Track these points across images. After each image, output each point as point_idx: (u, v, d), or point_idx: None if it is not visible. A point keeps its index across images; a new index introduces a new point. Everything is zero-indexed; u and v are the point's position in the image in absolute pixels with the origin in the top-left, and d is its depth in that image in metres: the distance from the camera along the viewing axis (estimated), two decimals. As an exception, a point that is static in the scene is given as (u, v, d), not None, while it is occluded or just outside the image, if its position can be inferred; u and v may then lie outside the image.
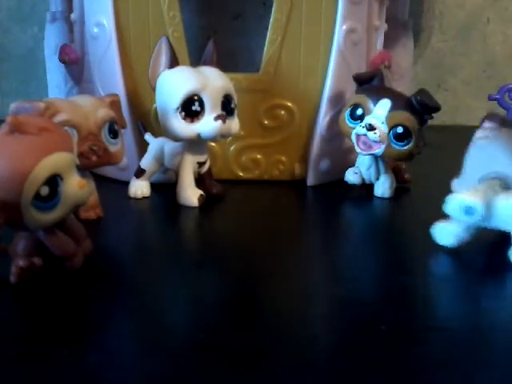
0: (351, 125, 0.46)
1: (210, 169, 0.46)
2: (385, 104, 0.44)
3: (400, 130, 0.44)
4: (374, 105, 0.45)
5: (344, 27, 0.48)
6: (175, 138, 0.43)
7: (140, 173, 0.46)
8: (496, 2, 0.83)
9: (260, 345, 0.23)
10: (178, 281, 0.31)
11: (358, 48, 0.50)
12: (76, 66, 0.53)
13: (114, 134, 0.37)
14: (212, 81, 0.41)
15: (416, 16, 0.82)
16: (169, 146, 0.45)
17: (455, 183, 0.34)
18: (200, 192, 0.44)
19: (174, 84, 0.41)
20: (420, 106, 0.43)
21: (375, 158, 0.47)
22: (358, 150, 0.46)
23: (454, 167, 0.35)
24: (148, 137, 0.47)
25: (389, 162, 0.48)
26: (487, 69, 0.85)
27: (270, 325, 0.26)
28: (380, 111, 0.44)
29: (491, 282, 0.31)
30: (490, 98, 0.62)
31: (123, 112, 0.41)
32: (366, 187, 0.48)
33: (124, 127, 0.41)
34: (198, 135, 0.41)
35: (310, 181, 0.52)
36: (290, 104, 0.50)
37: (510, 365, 0.23)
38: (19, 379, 0.21)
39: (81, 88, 0.54)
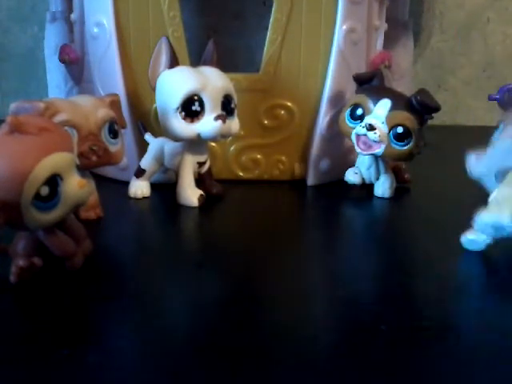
0: (351, 125, 0.46)
1: (209, 169, 0.46)
2: (385, 104, 0.44)
3: (400, 129, 0.44)
4: (374, 105, 0.45)
5: (344, 27, 0.48)
6: (175, 137, 0.43)
7: (140, 173, 0.46)
8: (496, 1, 0.83)
9: (260, 345, 0.23)
10: (177, 281, 0.31)
11: (357, 48, 0.50)
12: (76, 66, 0.53)
13: (114, 134, 0.37)
14: (212, 81, 0.41)
15: (416, 16, 0.82)
16: (169, 146, 0.45)
17: (472, 159, 0.33)
18: (200, 192, 0.44)
19: (174, 84, 0.41)
20: (420, 106, 0.43)
21: (375, 158, 0.47)
22: (357, 150, 0.46)
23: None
24: (148, 137, 0.47)
25: (389, 162, 0.48)
26: (487, 69, 0.85)
27: (269, 325, 0.26)
28: (380, 111, 0.44)
29: (492, 282, 0.31)
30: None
31: (123, 112, 0.41)
32: (366, 187, 0.48)
33: (124, 127, 0.41)
34: (198, 135, 0.41)
35: (310, 181, 0.52)
36: (290, 104, 0.50)
37: (511, 365, 0.23)
38: (19, 379, 0.21)
39: (81, 88, 0.54)
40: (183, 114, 0.41)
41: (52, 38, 0.58)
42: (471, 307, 0.28)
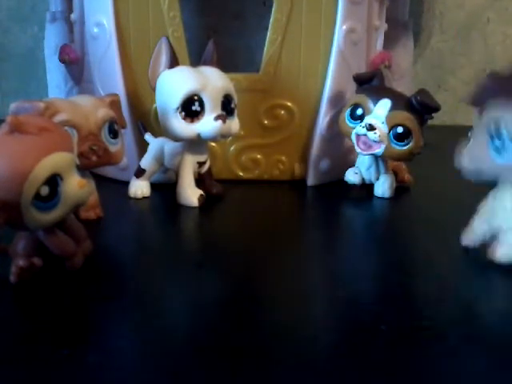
0: (351, 125, 0.46)
1: (210, 169, 0.46)
2: (385, 104, 0.44)
3: (400, 129, 0.44)
4: (374, 105, 0.45)
5: (344, 27, 0.48)
6: (175, 137, 0.43)
7: (140, 173, 0.46)
8: (496, 1, 0.83)
9: (260, 345, 0.23)
10: (177, 281, 0.31)
11: (357, 48, 0.50)
12: (76, 66, 0.53)
13: (114, 133, 0.37)
14: (212, 81, 0.41)
15: (416, 16, 0.82)
16: (169, 146, 0.45)
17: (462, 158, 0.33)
18: (200, 192, 0.44)
19: (174, 84, 0.41)
20: (420, 106, 0.43)
21: (375, 157, 0.47)
22: (357, 150, 0.46)
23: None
24: (148, 137, 0.47)
25: (389, 162, 0.48)
26: (487, 69, 0.85)
27: (269, 325, 0.26)
28: (380, 111, 0.44)
29: (492, 282, 0.31)
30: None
31: (123, 112, 0.41)
32: (366, 187, 0.48)
33: (124, 127, 0.41)
34: (198, 135, 0.41)
35: (310, 181, 0.52)
36: (290, 104, 0.50)
37: (511, 365, 0.23)
38: (19, 379, 0.21)
39: (81, 88, 0.54)
40: (183, 114, 0.41)
41: (52, 38, 0.58)
42: (471, 307, 0.28)
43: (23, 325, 0.25)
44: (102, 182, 0.48)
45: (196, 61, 0.46)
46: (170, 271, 0.32)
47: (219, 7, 0.74)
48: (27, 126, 0.26)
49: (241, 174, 0.52)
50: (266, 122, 0.50)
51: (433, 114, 0.44)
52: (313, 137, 0.50)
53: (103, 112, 0.36)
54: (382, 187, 0.47)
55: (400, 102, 0.44)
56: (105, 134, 0.36)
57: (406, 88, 0.58)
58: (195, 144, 0.43)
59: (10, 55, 0.81)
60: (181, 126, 0.41)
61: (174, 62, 0.42)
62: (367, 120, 0.44)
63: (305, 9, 0.48)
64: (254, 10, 0.75)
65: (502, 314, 0.27)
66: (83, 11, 0.49)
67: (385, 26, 0.54)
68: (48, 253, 0.29)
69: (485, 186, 0.32)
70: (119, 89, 0.47)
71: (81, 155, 0.34)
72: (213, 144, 0.50)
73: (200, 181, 0.45)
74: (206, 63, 0.44)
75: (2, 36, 0.81)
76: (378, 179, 0.48)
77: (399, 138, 0.44)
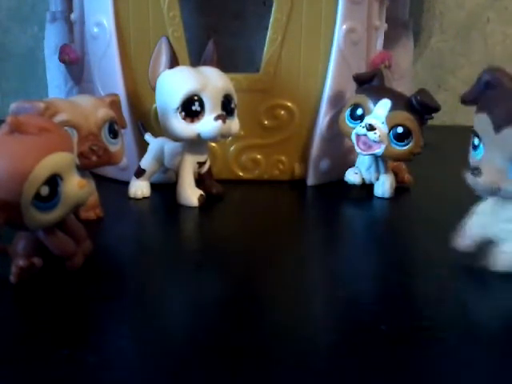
0: (351, 125, 0.46)
1: (210, 169, 0.46)
2: (385, 104, 0.44)
3: (400, 130, 0.44)
4: (374, 105, 0.45)
5: (344, 27, 0.48)
6: (175, 137, 0.43)
7: (140, 173, 0.46)
8: (496, 1, 0.83)
9: (260, 345, 0.23)
10: (177, 281, 0.31)
11: (357, 48, 0.50)
12: (76, 66, 0.53)
13: (114, 133, 0.37)
14: (212, 81, 0.41)
15: (416, 16, 0.82)
16: (169, 146, 0.45)
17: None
18: (200, 192, 0.44)
19: (174, 84, 0.41)
20: (420, 106, 0.43)
21: (375, 157, 0.47)
22: (357, 149, 0.46)
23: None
24: (148, 137, 0.47)
25: (389, 162, 0.48)
26: (487, 69, 0.85)
27: (269, 325, 0.26)
28: (380, 111, 0.44)
29: (492, 283, 0.31)
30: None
31: (123, 112, 0.41)
32: (366, 187, 0.48)
33: (124, 127, 0.41)
34: (198, 135, 0.41)
35: (310, 181, 0.52)
36: (289, 104, 0.50)
37: (511, 364, 0.23)
38: (19, 379, 0.21)
39: (81, 88, 0.54)
40: (183, 114, 0.41)
41: (52, 38, 0.58)
42: (471, 307, 0.28)
43: (23, 325, 0.25)
44: (102, 181, 0.48)
45: (196, 61, 0.46)
46: (170, 271, 0.32)
47: (219, 7, 0.74)
48: (27, 126, 0.26)
49: (241, 174, 0.52)
50: (265, 122, 0.50)
51: (433, 114, 0.44)
52: (313, 137, 0.50)
53: (103, 112, 0.36)
54: (382, 187, 0.47)
55: (400, 102, 0.44)
56: (105, 134, 0.36)
57: (406, 88, 0.58)
58: (195, 144, 0.43)
59: (10, 55, 0.81)
60: (181, 125, 0.41)
61: (173, 62, 0.42)
62: (367, 120, 0.44)
63: (305, 9, 0.48)
64: (254, 10, 0.75)
65: (501, 315, 0.27)
66: (83, 11, 0.49)
67: (385, 26, 0.54)
68: (48, 253, 0.29)
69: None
70: (119, 89, 0.47)
71: (81, 155, 0.34)
72: (213, 144, 0.50)
73: (200, 181, 0.45)
74: (205, 63, 0.44)
75: (2, 36, 0.81)
76: (377, 179, 0.48)
77: (399, 138, 0.44)
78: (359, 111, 0.46)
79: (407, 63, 0.65)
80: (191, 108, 0.41)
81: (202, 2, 0.72)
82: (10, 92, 0.82)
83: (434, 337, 0.24)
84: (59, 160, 0.26)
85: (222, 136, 0.42)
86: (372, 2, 0.50)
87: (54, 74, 0.58)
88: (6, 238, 0.29)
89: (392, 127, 0.44)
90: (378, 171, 0.48)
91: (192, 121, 0.41)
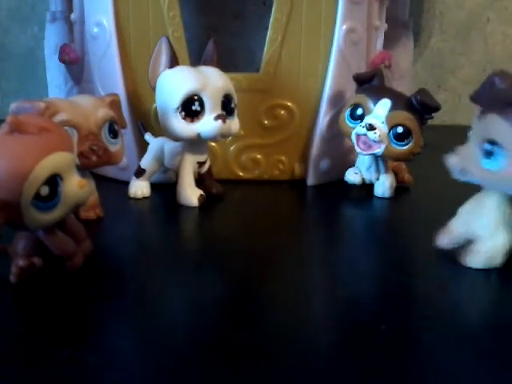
0: (351, 125, 0.46)
1: (210, 169, 0.46)
2: (385, 104, 0.44)
3: (400, 129, 0.44)
4: (374, 105, 0.45)
5: (344, 27, 0.48)
6: (175, 137, 0.43)
7: (140, 173, 0.46)
8: (496, 1, 0.83)
9: (260, 345, 0.23)
10: (177, 281, 0.31)
11: (357, 48, 0.50)
12: (76, 66, 0.53)
13: (114, 133, 0.37)
14: (212, 81, 0.41)
15: (416, 16, 0.82)
16: (169, 145, 0.45)
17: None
18: (200, 192, 0.44)
19: (174, 84, 0.41)
20: (420, 106, 0.43)
21: (375, 157, 0.47)
22: (357, 149, 0.46)
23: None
24: (148, 137, 0.47)
25: (389, 162, 0.48)
26: (487, 69, 0.85)
27: (269, 325, 0.25)
28: (380, 111, 0.44)
29: (492, 283, 0.31)
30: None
31: (123, 112, 0.41)
32: (366, 187, 0.48)
33: (124, 127, 0.41)
34: (198, 135, 0.41)
35: (310, 181, 0.52)
36: (290, 104, 0.50)
37: (511, 364, 0.23)
38: (19, 379, 0.21)
39: (81, 88, 0.54)
40: (183, 113, 0.41)
41: (52, 38, 0.58)
42: (471, 307, 0.28)
43: (23, 325, 0.25)
44: (102, 181, 0.48)
45: (196, 61, 0.46)
46: (170, 271, 0.32)
47: (219, 7, 0.74)
48: (27, 125, 0.26)
49: (241, 174, 0.52)
50: (266, 121, 0.50)
51: (433, 114, 0.44)
52: (313, 137, 0.50)
53: (103, 112, 0.36)
54: (382, 187, 0.47)
55: (400, 101, 0.44)
56: (105, 134, 0.36)
57: (405, 88, 0.58)
58: (195, 144, 0.43)
59: (10, 55, 0.81)
60: (181, 125, 0.41)
61: (173, 62, 0.42)
62: (367, 120, 0.44)
63: (305, 9, 0.48)
64: (254, 9, 0.76)
65: (501, 315, 0.27)
66: (83, 11, 0.49)
67: (385, 26, 0.54)
68: (48, 253, 0.29)
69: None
70: (119, 89, 0.47)
71: (81, 155, 0.34)
72: (213, 144, 0.50)
73: (200, 181, 0.45)
74: (206, 63, 0.44)
75: (2, 36, 0.81)
76: (377, 179, 0.48)
77: (399, 137, 0.44)
78: (359, 111, 0.46)
79: (407, 63, 0.65)
80: (191, 108, 0.41)
81: (202, 1, 0.72)
82: (10, 92, 0.82)
83: (434, 337, 0.24)
84: (59, 160, 0.26)
85: (222, 136, 0.42)
86: (372, 2, 0.50)
87: (54, 74, 0.59)
88: (6, 238, 0.29)
89: (392, 127, 0.44)
90: (378, 171, 0.48)
91: (192, 121, 0.41)
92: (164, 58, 0.42)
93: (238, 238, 0.38)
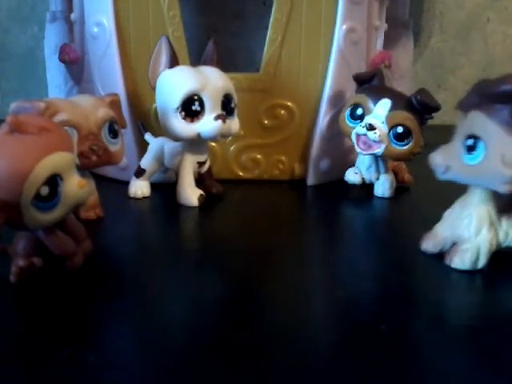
0: (351, 125, 0.46)
1: (210, 169, 0.46)
2: (385, 104, 0.44)
3: (400, 129, 0.44)
4: (374, 104, 0.45)
5: (344, 27, 0.48)
6: (175, 137, 0.43)
7: (140, 173, 0.46)
8: (496, 1, 0.83)
9: (260, 345, 0.23)
10: (178, 281, 0.31)
11: (357, 48, 0.50)
12: (76, 66, 0.53)
13: (113, 133, 0.37)
14: (212, 80, 0.41)
15: (416, 16, 0.82)
16: (169, 145, 0.45)
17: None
18: (200, 192, 0.44)
19: (174, 84, 0.41)
20: (420, 106, 0.43)
21: (375, 157, 0.47)
22: (357, 149, 0.46)
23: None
24: (148, 137, 0.47)
25: (389, 162, 0.48)
26: (487, 69, 0.85)
27: (269, 325, 0.25)
28: (380, 111, 0.44)
29: (492, 282, 0.31)
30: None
31: (123, 112, 0.41)
32: (366, 187, 0.48)
33: (124, 127, 0.41)
34: (198, 135, 0.41)
35: (310, 180, 0.52)
36: (289, 104, 0.50)
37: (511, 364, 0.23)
38: (19, 379, 0.21)
39: (81, 88, 0.54)
40: (183, 113, 0.41)
41: (52, 38, 0.59)
42: (471, 307, 0.28)
43: (23, 325, 0.25)
44: (102, 181, 0.48)
45: (196, 61, 0.46)
46: (170, 271, 0.32)
47: (219, 7, 0.74)
48: (27, 125, 0.26)
49: (241, 173, 0.52)
50: (265, 121, 0.50)
51: (433, 114, 0.44)
52: (313, 137, 0.51)
53: (103, 112, 0.36)
54: (382, 187, 0.47)
55: (400, 101, 0.44)
56: (105, 134, 0.36)
57: (405, 88, 0.58)
58: (195, 144, 0.43)
59: (10, 55, 0.81)
60: (181, 125, 0.41)
61: (174, 62, 0.42)
62: (367, 120, 0.44)
63: (305, 9, 0.48)
64: (254, 9, 0.76)
65: (501, 315, 0.27)
66: (83, 11, 0.49)
67: (385, 26, 0.54)
68: (48, 253, 0.29)
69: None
70: (119, 89, 0.47)
71: (81, 155, 0.34)
72: (213, 144, 0.50)
73: (200, 181, 0.45)
74: (205, 63, 0.44)
75: (2, 36, 0.81)
76: (378, 179, 0.48)
77: (399, 137, 0.44)
78: (359, 111, 0.46)
79: (407, 63, 0.65)
80: (191, 108, 0.41)
81: (202, 1, 0.72)
82: (10, 92, 0.82)
83: (434, 337, 0.24)
84: (59, 160, 0.26)
85: (222, 136, 0.42)
86: (372, 2, 0.50)
87: (54, 74, 0.59)
88: (6, 238, 0.29)
89: (392, 127, 0.44)
90: (378, 171, 0.48)
91: (192, 120, 0.41)
92: (164, 58, 0.42)
93: (237, 237, 0.38)
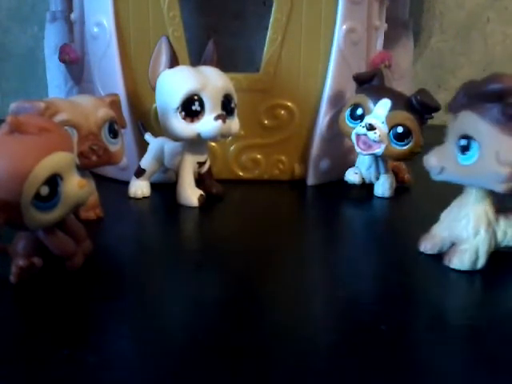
0: (351, 125, 0.46)
1: (210, 169, 0.46)
2: (385, 104, 0.44)
3: (400, 129, 0.44)
4: (374, 104, 0.45)
5: (344, 27, 0.48)
6: (175, 137, 0.43)
7: (140, 173, 0.46)
8: (496, 1, 0.83)
9: (260, 345, 0.23)
10: (178, 281, 0.31)
11: (357, 48, 0.50)
12: (76, 66, 0.53)
13: (113, 133, 0.37)
14: (212, 81, 0.41)
15: (416, 16, 0.82)
16: (169, 145, 0.45)
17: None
18: (200, 192, 0.44)
19: (174, 84, 0.41)
20: (420, 106, 0.43)
21: (375, 157, 0.47)
22: (357, 149, 0.46)
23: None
24: (148, 137, 0.47)
25: (389, 162, 0.48)
26: (487, 69, 0.85)
27: (269, 325, 0.26)
28: (380, 111, 0.44)
29: (492, 282, 0.31)
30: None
31: (123, 112, 0.41)
32: (366, 187, 0.48)
33: (124, 127, 0.41)
34: (198, 135, 0.41)
35: (310, 180, 0.52)
36: (290, 104, 0.50)
37: (511, 363, 0.23)
38: (19, 379, 0.21)
39: (81, 88, 0.54)
40: (183, 113, 0.41)
41: (52, 38, 0.59)
42: (471, 307, 0.28)
43: (23, 325, 0.25)
44: (102, 181, 0.48)
45: (196, 61, 0.46)
46: (170, 271, 0.32)
47: (219, 7, 0.74)
48: (27, 126, 0.26)
49: (241, 173, 0.52)
50: (266, 121, 0.50)
51: (433, 114, 0.44)
52: (313, 137, 0.50)
53: (103, 112, 0.36)
54: (382, 187, 0.47)
55: (400, 101, 0.44)
56: (105, 134, 0.36)
57: (405, 88, 0.58)
58: (195, 144, 0.43)
59: (10, 55, 0.81)
60: (181, 125, 0.41)
61: (173, 62, 0.42)
62: (367, 120, 0.44)
63: (305, 9, 0.48)
64: (254, 9, 0.75)
65: (501, 315, 0.27)
66: (83, 11, 0.49)
67: (385, 26, 0.54)
68: (48, 253, 0.29)
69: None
70: (119, 89, 0.47)
71: (81, 155, 0.34)
72: (213, 144, 0.50)
73: (200, 181, 0.45)
74: (205, 63, 0.44)
75: (2, 36, 0.81)
76: (378, 179, 0.48)
77: (399, 137, 0.44)
78: (359, 111, 0.46)
79: (407, 63, 0.65)
80: (191, 108, 0.41)
81: (202, 1, 0.72)
82: (10, 92, 0.82)
83: (434, 337, 0.24)
84: (59, 160, 0.26)
85: (222, 136, 0.42)
86: (372, 2, 0.50)
87: (54, 74, 0.59)
88: (6, 238, 0.29)
89: (392, 127, 0.44)
90: (378, 171, 0.48)
91: (192, 120, 0.41)
92: (164, 58, 0.42)
93: (237, 238, 0.38)
